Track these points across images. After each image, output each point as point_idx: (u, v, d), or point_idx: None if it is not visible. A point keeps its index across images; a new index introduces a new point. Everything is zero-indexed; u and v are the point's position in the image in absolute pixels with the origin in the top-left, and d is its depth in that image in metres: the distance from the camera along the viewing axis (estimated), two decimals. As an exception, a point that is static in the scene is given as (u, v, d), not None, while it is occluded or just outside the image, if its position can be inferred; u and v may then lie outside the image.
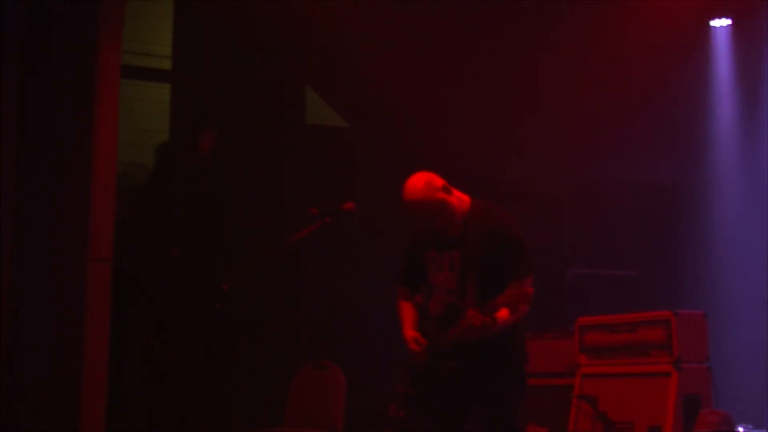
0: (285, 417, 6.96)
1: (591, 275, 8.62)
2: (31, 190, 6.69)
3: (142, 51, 9.40)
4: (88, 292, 6.71)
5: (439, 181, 4.73)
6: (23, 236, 6.63)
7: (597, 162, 9.48)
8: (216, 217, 8.25)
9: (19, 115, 6.68)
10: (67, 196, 6.78)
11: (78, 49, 6.87)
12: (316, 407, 6.79)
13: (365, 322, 8.41)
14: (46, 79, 6.79)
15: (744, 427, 6.96)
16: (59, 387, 6.58)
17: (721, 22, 9.66)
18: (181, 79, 9.36)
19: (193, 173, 8.34)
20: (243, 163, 8.85)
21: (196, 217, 8.18)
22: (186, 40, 9.35)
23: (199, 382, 7.78)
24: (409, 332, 4.79)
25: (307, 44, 8.92)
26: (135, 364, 7.50)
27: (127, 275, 7.29)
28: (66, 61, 6.84)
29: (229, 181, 8.53)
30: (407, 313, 4.90)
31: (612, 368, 6.77)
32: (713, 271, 9.26)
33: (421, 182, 4.69)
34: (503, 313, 4.47)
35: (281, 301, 8.59)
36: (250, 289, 7.08)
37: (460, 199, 4.79)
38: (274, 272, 8.00)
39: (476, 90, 9.04)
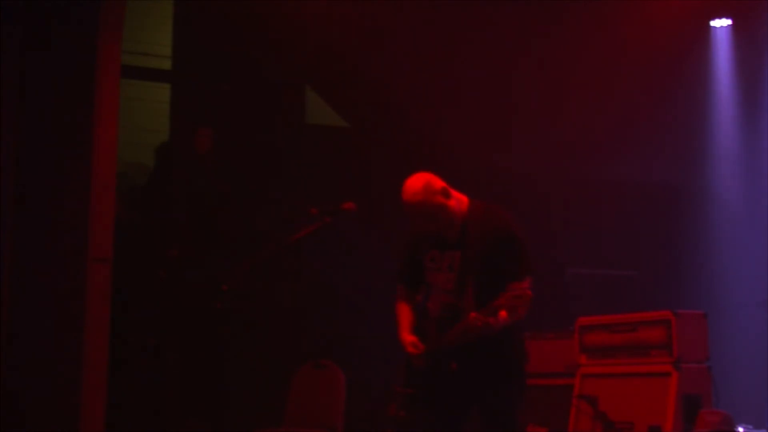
0: (285, 417, 6.96)
1: (591, 275, 8.62)
2: (31, 190, 6.69)
3: (142, 51, 9.40)
4: (88, 292, 6.71)
5: (438, 184, 4.71)
6: (23, 236, 6.63)
7: (597, 162, 9.48)
8: (215, 217, 8.25)
9: (19, 115, 6.68)
10: (67, 196, 6.78)
11: (78, 49, 6.87)
12: (316, 407, 6.79)
13: (365, 322, 8.41)
14: (46, 78, 6.79)
15: (744, 427, 6.96)
16: (59, 387, 6.58)
17: (721, 22, 9.66)
18: (181, 79, 9.37)
19: (193, 173, 8.34)
20: (243, 163, 8.85)
21: (195, 217, 8.18)
22: (186, 40, 9.35)
23: (200, 381, 7.78)
24: (407, 336, 4.79)
25: (307, 44, 8.92)
26: (135, 364, 7.50)
27: (127, 275, 7.29)
28: (66, 61, 6.84)
29: (229, 181, 8.54)
30: (404, 315, 4.89)
31: (612, 368, 6.77)
32: (713, 271, 9.26)
33: (419, 183, 4.68)
34: (503, 315, 4.48)
35: (281, 301, 8.59)
36: (250, 289, 7.09)
37: (458, 200, 4.77)
38: (273, 272, 7.99)
39: (476, 90, 9.04)
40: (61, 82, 6.82)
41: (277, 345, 8.37)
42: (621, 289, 8.51)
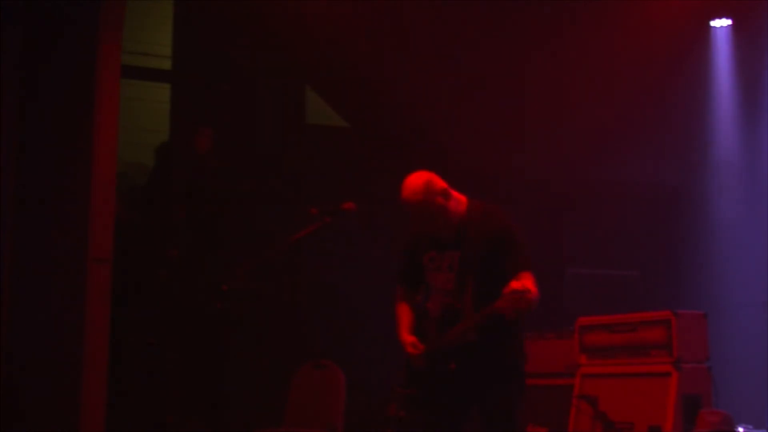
0: (285, 417, 6.96)
1: (591, 275, 8.61)
2: (32, 190, 6.69)
3: (142, 51, 9.41)
4: (88, 292, 6.71)
5: (438, 185, 4.70)
6: (23, 236, 6.63)
7: (597, 162, 9.47)
8: (215, 217, 8.26)
9: (19, 115, 6.68)
10: (67, 196, 6.78)
11: (78, 49, 6.87)
12: (316, 407, 6.79)
13: (365, 322, 8.41)
14: (46, 79, 6.79)
15: (744, 427, 6.96)
16: (59, 387, 6.58)
17: (721, 22, 9.66)
18: (181, 79, 9.38)
19: (193, 173, 8.34)
20: (243, 163, 8.85)
21: (195, 217, 8.18)
22: (186, 40, 9.36)
23: (199, 381, 7.78)
24: (407, 336, 4.79)
25: (307, 44, 8.92)
26: (135, 364, 7.50)
27: (127, 275, 7.29)
28: (66, 61, 6.85)
29: (229, 181, 8.54)
30: (404, 315, 4.89)
31: (612, 368, 6.77)
32: (713, 271, 9.25)
33: (420, 183, 4.67)
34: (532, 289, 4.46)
35: (281, 300, 8.59)
36: (249, 288, 7.09)
37: (457, 200, 4.77)
38: (273, 272, 7.99)
39: (477, 89, 9.04)
40: (61, 81, 6.82)
41: (277, 345, 8.37)
42: (621, 289, 8.50)
